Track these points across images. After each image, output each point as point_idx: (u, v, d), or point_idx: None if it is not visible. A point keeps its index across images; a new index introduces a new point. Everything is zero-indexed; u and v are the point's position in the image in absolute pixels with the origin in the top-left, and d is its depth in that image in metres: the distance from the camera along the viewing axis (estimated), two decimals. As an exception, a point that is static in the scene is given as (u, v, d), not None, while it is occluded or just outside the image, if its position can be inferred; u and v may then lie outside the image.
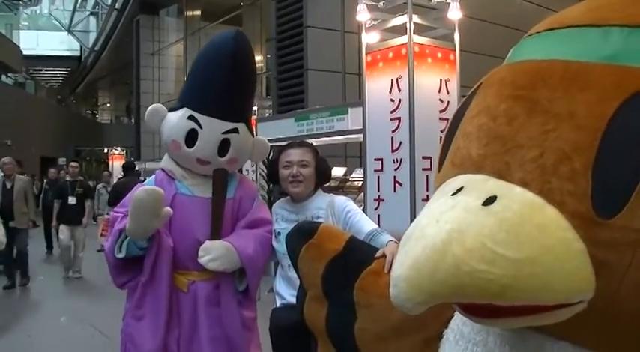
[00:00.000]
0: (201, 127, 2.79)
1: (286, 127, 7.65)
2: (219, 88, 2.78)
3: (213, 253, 2.70)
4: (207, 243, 2.73)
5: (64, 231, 9.72)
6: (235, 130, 2.83)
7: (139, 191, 2.63)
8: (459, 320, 1.37)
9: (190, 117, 2.81)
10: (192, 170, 2.90)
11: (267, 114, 11.08)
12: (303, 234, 1.97)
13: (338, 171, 7.82)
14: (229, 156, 2.84)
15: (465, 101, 1.28)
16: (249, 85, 2.95)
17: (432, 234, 1.02)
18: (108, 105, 54.29)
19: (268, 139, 8.88)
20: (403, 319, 1.60)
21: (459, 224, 1.00)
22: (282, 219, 2.96)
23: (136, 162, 14.23)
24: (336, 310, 1.84)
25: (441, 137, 1.68)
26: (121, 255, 2.78)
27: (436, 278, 0.99)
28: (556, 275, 0.94)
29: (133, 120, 31.42)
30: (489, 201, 1.01)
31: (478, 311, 1.08)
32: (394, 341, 1.69)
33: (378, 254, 1.95)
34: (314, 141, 6.39)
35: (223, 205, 2.82)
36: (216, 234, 2.78)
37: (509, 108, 1.09)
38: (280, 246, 2.89)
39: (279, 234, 2.92)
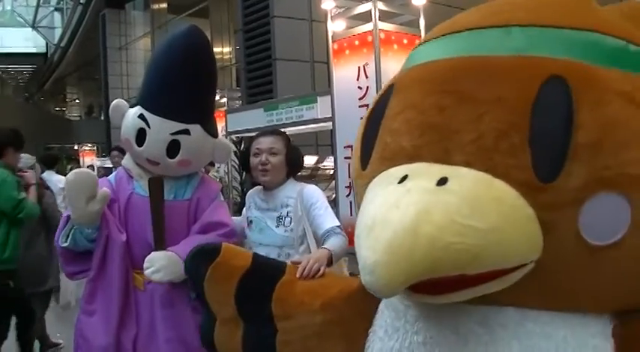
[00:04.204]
0: (149, 127, 2.69)
1: (256, 118, 7.65)
2: (169, 88, 2.68)
3: (157, 264, 2.59)
4: (151, 254, 2.62)
5: None
6: (186, 132, 2.71)
7: (68, 174, 2.58)
8: (386, 315, 1.43)
9: (140, 116, 2.72)
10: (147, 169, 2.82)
11: (237, 106, 11.04)
12: (206, 254, 1.87)
13: (309, 160, 7.81)
14: (180, 158, 2.73)
15: (376, 105, 1.40)
16: (204, 84, 2.81)
17: (398, 219, 1.06)
18: (77, 101, 53.56)
19: (238, 130, 8.80)
20: (326, 323, 1.63)
21: (423, 205, 1.06)
22: (255, 207, 2.94)
23: (106, 158, 14.01)
24: (253, 328, 1.79)
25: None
26: (65, 244, 2.72)
27: (413, 258, 1.03)
28: (515, 240, 1.07)
29: (102, 117, 31.07)
30: (442, 181, 1.09)
31: (436, 290, 1.15)
32: (319, 347, 1.68)
33: (295, 259, 1.92)
34: (284, 131, 6.40)
35: (162, 214, 2.69)
36: (159, 243, 2.67)
37: (437, 101, 1.21)
38: (252, 234, 2.89)
39: (251, 222, 2.91)
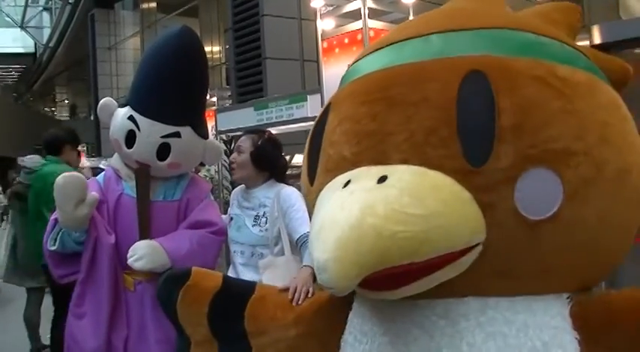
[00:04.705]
0: (139, 129, 2.67)
1: (246, 117, 7.60)
2: (160, 90, 2.66)
3: (139, 252, 2.58)
4: (135, 244, 2.62)
5: None
6: (176, 134, 2.69)
7: (58, 178, 2.57)
8: (355, 322, 1.49)
9: (130, 118, 2.70)
10: None
11: (227, 105, 11.00)
12: (176, 278, 1.88)
13: (299, 159, 7.80)
14: (170, 161, 2.72)
15: (317, 124, 1.52)
16: (196, 86, 2.78)
17: (344, 218, 1.13)
18: (66, 101, 53.31)
19: (229, 129, 8.73)
20: (300, 336, 1.66)
21: (365, 201, 1.14)
22: (237, 205, 2.95)
23: (96, 159, 13.95)
24: (227, 347, 1.81)
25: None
26: (53, 248, 2.71)
27: (363, 250, 1.10)
28: (456, 223, 1.15)
29: (92, 117, 30.90)
30: (382, 179, 1.18)
31: (392, 283, 1.21)
32: None
33: (282, 286, 1.92)
34: (274, 130, 6.39)
35: (148, 204, 2.70)
36: (144, 233, 2.67)
37: (369, 109, 1.33)
38: (231, 232, 2.90)
39: (232, 219, 2.92)
